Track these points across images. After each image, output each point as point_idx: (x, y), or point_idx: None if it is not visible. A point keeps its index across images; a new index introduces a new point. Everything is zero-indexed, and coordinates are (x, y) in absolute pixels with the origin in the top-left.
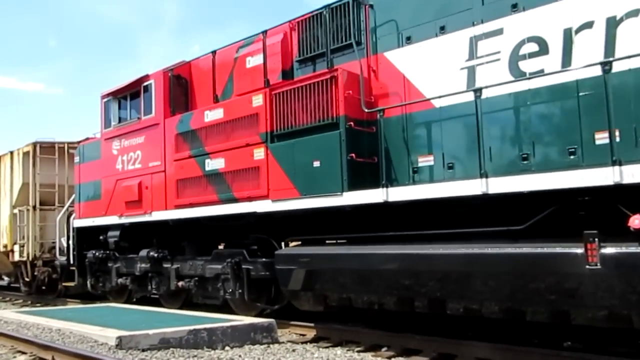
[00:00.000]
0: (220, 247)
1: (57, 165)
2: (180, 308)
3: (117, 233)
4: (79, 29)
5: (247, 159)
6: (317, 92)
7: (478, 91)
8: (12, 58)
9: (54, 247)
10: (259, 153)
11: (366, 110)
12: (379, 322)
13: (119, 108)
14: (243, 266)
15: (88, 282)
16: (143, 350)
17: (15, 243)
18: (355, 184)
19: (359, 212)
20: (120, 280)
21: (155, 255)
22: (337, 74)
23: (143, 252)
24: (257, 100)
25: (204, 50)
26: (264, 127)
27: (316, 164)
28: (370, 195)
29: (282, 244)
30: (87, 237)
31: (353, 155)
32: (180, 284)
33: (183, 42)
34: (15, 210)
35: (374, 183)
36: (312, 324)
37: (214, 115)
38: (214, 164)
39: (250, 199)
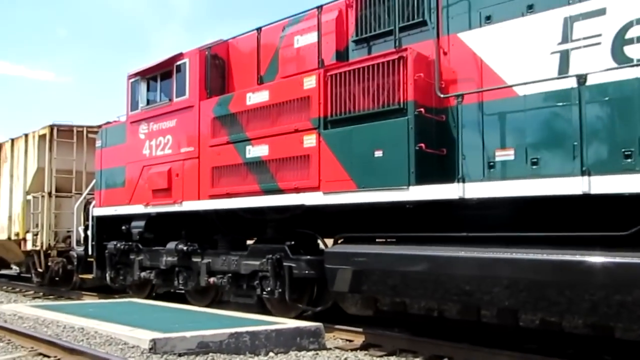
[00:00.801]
0: (250, 242)
1: (75, 150)
2: (208, 306)
3: (141, 223)
4: (90, 20)
5: (295, 146)
6: (381, 74)
7: (582, 77)
8: (22, 46)
9: (69, 237)
10: (310, 140)
11: (441, 96)
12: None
13: (148, 89)
14: (285, 263)
15: (107, 275)
16: (180, 355)
17: (28, 231)
18: (422, 178)
19: (418, 210)
20: (143, 274)
21: (185, 248)
22: (407, 54)
23: (171, 245)
24: (309, 82)
25: None
26: (316, 112)
27: (378, 153)
28: (444, 190)
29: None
30: (107, 227)
31: (422, 145)
32: (212, 280)
33: (195, 35)
34: (29, 197)
35: (441, 177)
36: (360, 329)
37: (257, 97)
38: (256, 151)
39: (297, 190)
